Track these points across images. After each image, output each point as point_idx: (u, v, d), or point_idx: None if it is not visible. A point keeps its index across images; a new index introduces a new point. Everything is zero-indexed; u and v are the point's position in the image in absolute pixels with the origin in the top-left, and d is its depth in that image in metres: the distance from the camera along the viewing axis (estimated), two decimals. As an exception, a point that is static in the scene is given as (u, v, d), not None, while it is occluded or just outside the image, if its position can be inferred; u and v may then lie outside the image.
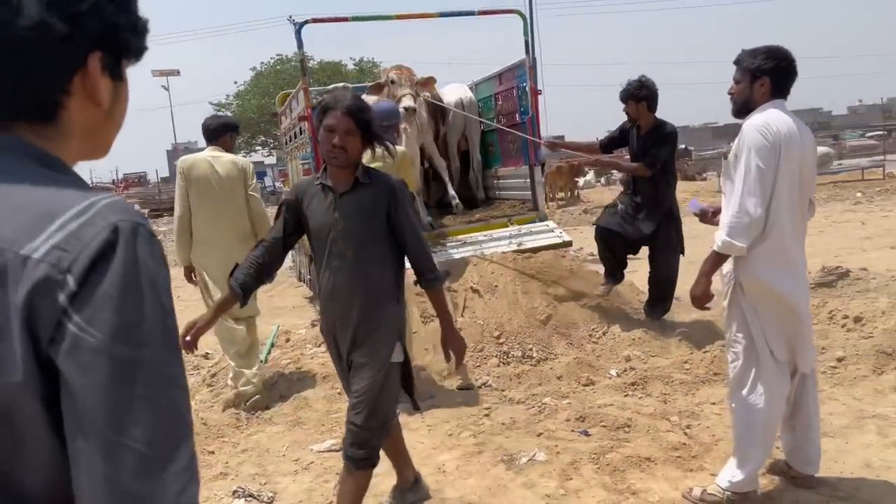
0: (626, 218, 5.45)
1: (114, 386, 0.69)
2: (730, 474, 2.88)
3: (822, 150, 26.11)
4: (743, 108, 2.87)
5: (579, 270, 6.01)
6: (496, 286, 5.64)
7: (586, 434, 3.75)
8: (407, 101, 5.70)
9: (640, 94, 5.24)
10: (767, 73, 2.79)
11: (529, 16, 6.87)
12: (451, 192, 7.12)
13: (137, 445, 0.70)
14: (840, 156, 28.71)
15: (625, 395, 4.29)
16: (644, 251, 5.59)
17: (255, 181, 4.84)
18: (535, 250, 6.12)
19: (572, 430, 3.80)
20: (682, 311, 5.63)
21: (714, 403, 4.01)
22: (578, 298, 5.62)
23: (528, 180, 6.78)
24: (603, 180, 26.67)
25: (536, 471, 3.35)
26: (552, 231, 6.54)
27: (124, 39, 0.83)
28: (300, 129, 6.73)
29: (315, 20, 6.09)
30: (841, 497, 2.92)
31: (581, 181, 21.53)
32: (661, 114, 5.35)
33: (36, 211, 0.73)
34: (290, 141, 7.72)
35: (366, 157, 2.79)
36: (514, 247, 6.18)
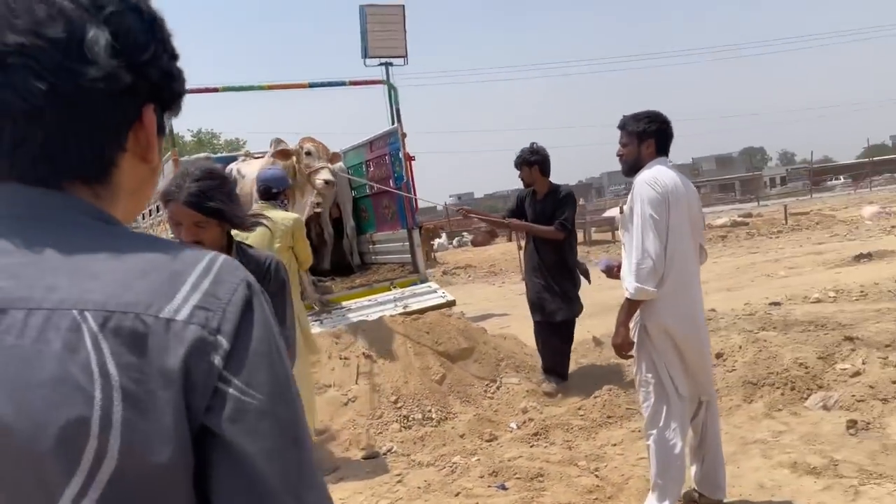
0: (545, 300, 5.59)
1: (286, 450, 0.67)
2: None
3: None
4: (633, 167, 3.16)
5: (466, 328, 6.13)
6: (388, 349, 5.63)
7: (504, 488, 3.79)
8: (326, 175, 5.76)
9: (532, 160, 5.54)
10: (652, 136, 3.11)
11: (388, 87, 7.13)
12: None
13: None
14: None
15: (530, 446, 4.40)
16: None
17: None
18: (422, 311, 6.21)
19: (489, 486, 3.84)
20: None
21: (615, 445, 4.23)
22: (469, 356, 5.73)
23: (407, 243, 6.92)
24: (455, 242, 27.44)
25: (464, 530, 3.34)
26: (435, 292, 6.68)
27: (175, 90, 0.80)
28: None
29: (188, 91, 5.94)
30: (747, 518, 3.17)
31: (436, 243, 22.08)
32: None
33: (158, 272, 0.68)
34: (148, 217, 7.32)
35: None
36: (401, 309, 6.24)
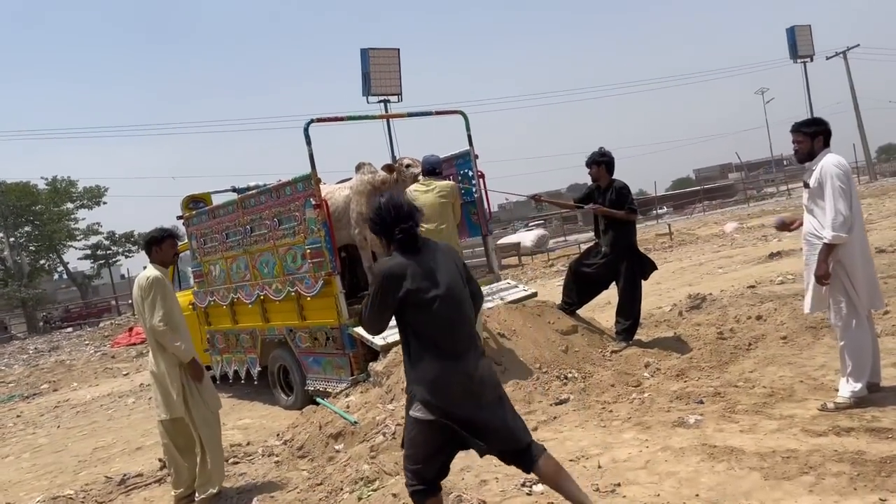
0: (602, 262, 6.95)
1: None
2: (850, 388, 4.43)
3: (538, 233, 31.25)
4: (807, 156, 4.62)
5: (556, 311, 7.30)
6: (514, 330, 6.70)
7: (701, 402, 5.04)
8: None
9: (602, 161, 6.93)
10: (821, 134, 4.59)
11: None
12: None
13: None
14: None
15: (683, 381, 5.67)
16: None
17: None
18: (516, 302, 7.33)
19: (686, 404, 5.07)
20: (649, 329, 7.26)
21: (751, 371, 5.61)
22: (576, 331, 6.93)
23: (480, 249, 8.04)
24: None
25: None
26: (516, 287, 7.83)
27: None
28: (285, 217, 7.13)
29: (319, 120, 6.79)
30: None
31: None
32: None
33: None
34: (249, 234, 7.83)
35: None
36: (499, 301, 7.32)
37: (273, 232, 7.41)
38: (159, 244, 5.10)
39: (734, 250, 16.91)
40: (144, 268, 5.24)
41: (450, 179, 6.97)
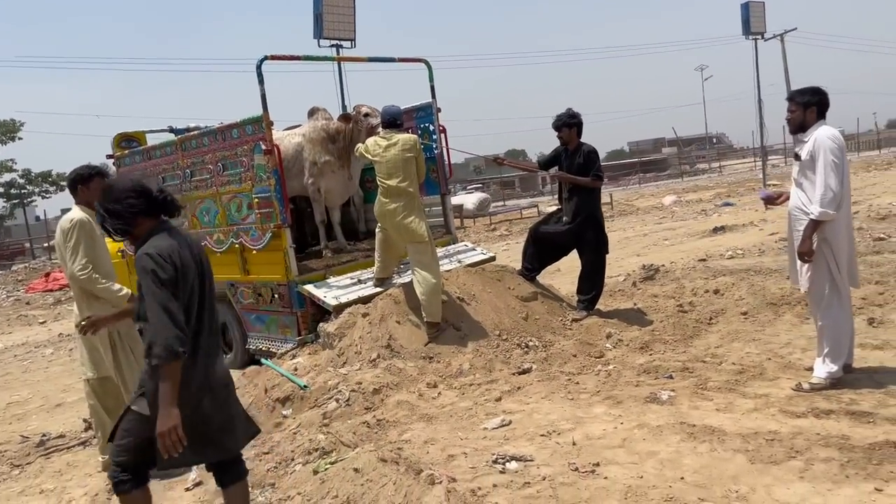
0: (565, 229, 6.69)
1: None
2: (826, 368, 4.32)
3: (480, 195, 31.05)
4: (800, 127, 4.42)
5: (515, 276, 7.03)
6: (473, 294, 6.41)
7: (671, 377, 4.88)
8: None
9: (573, 123, 6.61)
10: (815, 104, 4.39)
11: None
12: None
13: None
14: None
15: (649, 354, 5.51)
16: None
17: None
18: (475, 265, 7.03)
19: (655, 378, 4.90)
20: (605, 299, 7.10)
21: (717, 347, 5.49)
22: (537, 298, 6.69)
23: (440, 208, 7.67)
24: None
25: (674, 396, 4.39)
26: (474, 249, 7.53)
27: None
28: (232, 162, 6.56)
29: (273, 57, 6.22)
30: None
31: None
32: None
33: None
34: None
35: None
36: (457, 264, 7.00)
37: (216, 178, 6.83)
38: (86, 183, 4.52)
39: (676, 223, 17.10)
40: (68, 210, 4.66)
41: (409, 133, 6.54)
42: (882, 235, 9.56)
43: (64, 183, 21.40)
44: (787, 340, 5.46)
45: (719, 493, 3.18)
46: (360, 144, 6.52)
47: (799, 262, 4.40)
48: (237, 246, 6.70)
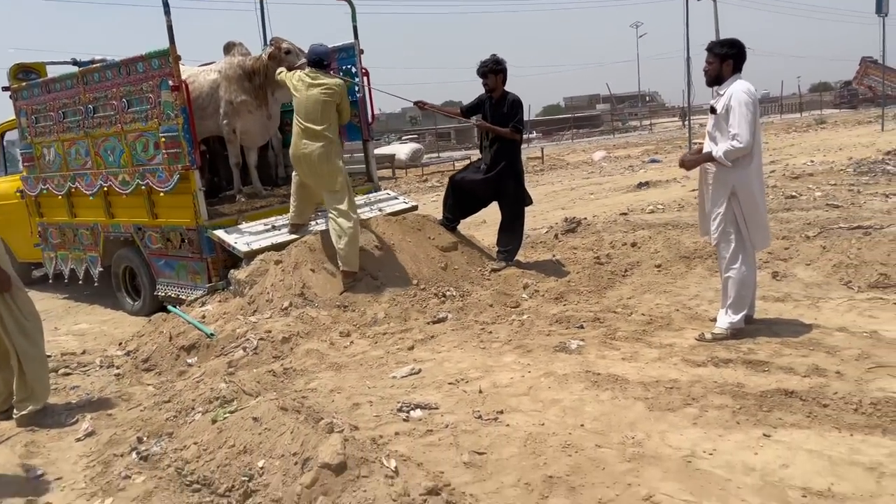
0: (484, 178, 6.60)
1: None
2: (728, 319, 4.43)
3: (413, 146, 30.67)
4: (715, 80, 4.42)
5: (436, 226, 6.94)
6: (392, 244, 6.29)
7: (581, 327, 4.93)
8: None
9: (499, 69, 6.46)
10: (731, 57, 4.39)
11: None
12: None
13: None
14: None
15: (563, 305, 5.55)
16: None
17: None
18: (396, 214, 6.90)
19: (566, 328, 4.94)
20: (526, 251, 7.10)
21: (630, 298, 5.57)
22: (457, 248, 6.63)
23: (362, 154, 7.46)
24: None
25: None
26: (397, 198, 7.39)
27: None
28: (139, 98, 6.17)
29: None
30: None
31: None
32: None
33: None
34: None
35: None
36: (377, 212, 6.86)
37: (121, 115, 6.42)
38: None
39: (603, 178, 17.31)
40: None
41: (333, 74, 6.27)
42: (794, 194, 9.89)
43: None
44: (695, 293, 5.59)
45: (616, 440, 3.22)
46: (282, 69, 6.25)
47: (710, 217, 4.47)
48: (144, 188, 6.35)
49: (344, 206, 5.78)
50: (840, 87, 58.27)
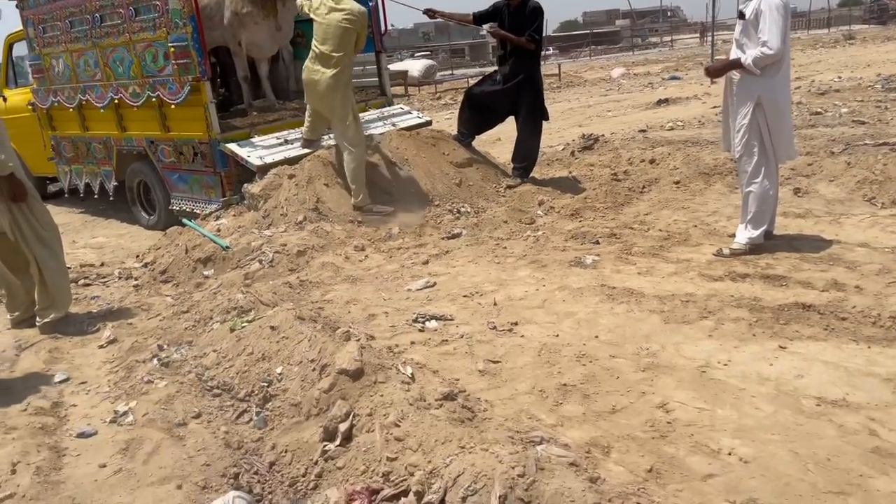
0: (500, 90, 6.42)
1: None
2: (748, 234, 4.37)
3: (426, 62, 29.98)
4: (745, -15, 4.21)
5: (451, 142, 6.82)
6: (406, 159, 6.21)
7: (597, 243, 4.89)
8: None
9: None
10: (766, -39, 4.15)
11: None
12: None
13: None
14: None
15: (579, 221, 5.50)
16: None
17: None
18: (409, 129, 6.78)
19: (582, 244, 4.91)
20: (542, 167, 7.00)
21: (647, 214, 5.51)
22: (472, 164, 6.53)
23: (374, 67, 7.27)
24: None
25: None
26: (410, 113, 7.24)
27: None
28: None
29: None
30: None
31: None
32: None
33: None
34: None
35: None
36: (391, 127, 6.74)
37: (128, 24, 6.25)
38: None
39: (622, 95, 16.88)
40: None
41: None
42: (819, 110, 9.60)
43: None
44: (714, 209, 5.51)
45: (630, 350, 3.24)
46: None
47: (733, 130, 4.34)
48: (155, 100, 6.25)
49: (349, 139, 5.64)
50: (870, 1, 55.81)
